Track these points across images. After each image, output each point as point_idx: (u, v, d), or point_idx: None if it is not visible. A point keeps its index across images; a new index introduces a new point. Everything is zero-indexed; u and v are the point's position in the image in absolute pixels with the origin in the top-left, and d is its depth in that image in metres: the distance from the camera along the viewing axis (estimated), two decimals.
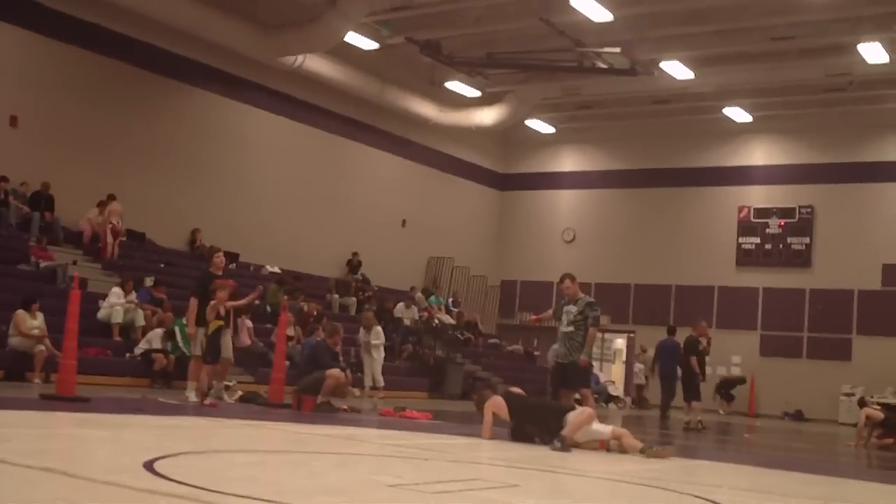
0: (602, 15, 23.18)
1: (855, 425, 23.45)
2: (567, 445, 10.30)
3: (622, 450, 10.58)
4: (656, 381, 22.82)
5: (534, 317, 15.68)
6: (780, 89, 28.69)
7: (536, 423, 10.91)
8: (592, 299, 13.40)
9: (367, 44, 26.35)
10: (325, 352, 15.44)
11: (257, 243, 25.72)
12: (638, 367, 28.67)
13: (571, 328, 12.98)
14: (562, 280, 13.35)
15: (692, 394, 19.19)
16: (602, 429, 10.90)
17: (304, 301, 23.50)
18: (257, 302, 18.43)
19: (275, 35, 24.64)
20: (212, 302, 13.76)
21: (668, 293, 32.39)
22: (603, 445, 10.69)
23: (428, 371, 25.41)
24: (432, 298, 29.13)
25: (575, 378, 13.04)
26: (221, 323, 14.00)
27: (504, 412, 11.11)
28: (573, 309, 13.05)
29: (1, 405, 11.04)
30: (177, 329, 18.35)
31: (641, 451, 10.37)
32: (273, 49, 25.05)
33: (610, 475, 8.89)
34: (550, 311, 13.93)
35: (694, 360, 19.22)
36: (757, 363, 29.98)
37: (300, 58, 25.98)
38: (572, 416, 10.66)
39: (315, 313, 22.64)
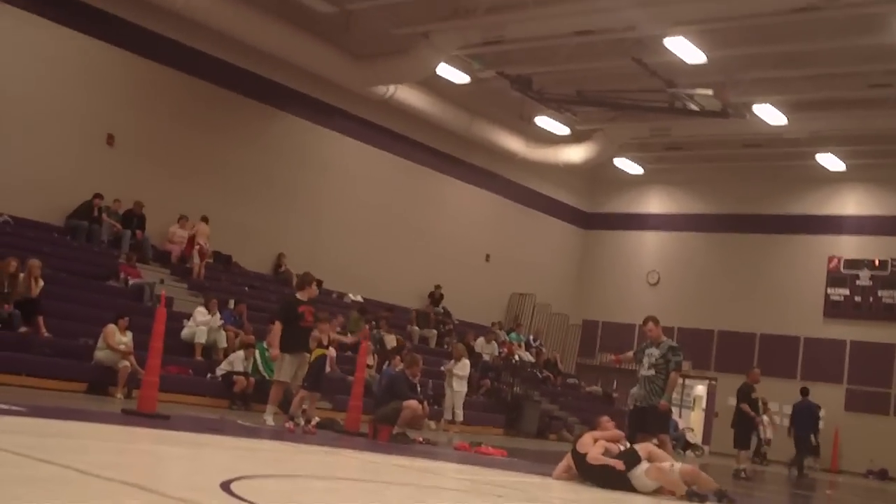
0: (696, 56, 22.98)
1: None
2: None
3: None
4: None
5: (614, 357, 15.52)
6: (875, 138, 28.09)
7: (604, 480, 10.51)
8: (675, 344, 13.21)
9: (458, 77, 26.45)
10: (402, 382, 15.42)
11: (341, 271, 25.87)
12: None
13: (652, 371, 12.80)
14: (645, 322, 13.17)
15: (742, 442, 18.83)
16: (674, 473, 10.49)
17: (386, 331, 23.55)
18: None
19: (367, 65, 24.87)
20: (315, 332, 13.88)
21: (752, 341, 31.79)
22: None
23: (505, 407, 25.24)
24: (512, 335, 28.99)
25: (653, 422, 12.81)
26: (325, 351, 14.11)
27: (570, 473, 10.82)
28: (655, 352, 12.86)
29: (83, 418, 11.20)
30: (257, 352, 18.48)
31: (717, 496, 10.06)
32: (365, 78, 25.29)
33: None
34: (631, 353, 13.78)
35: (745, 406, 18.88)
36: (841, 418, 29.21)
37: (391, 88, 26.19)
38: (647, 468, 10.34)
39: (396, 344, 22.68)
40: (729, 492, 10.21)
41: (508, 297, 32.69)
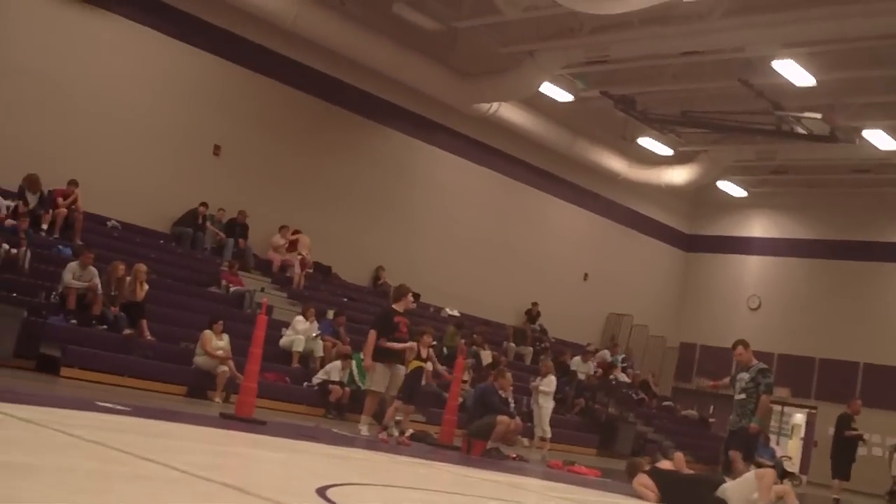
0: (804, 79, 22.59)
1: None
2: None
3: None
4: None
5: (711, 383, 15.39)
6: None
7: (689, 499, 10.41)
8: (765, 366, 13.10)
9: (561, 95, 26.39)
10: (493, 395, 15.41)
11: (438, 285, 25.97)
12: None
13: (743, 395, 12.77)
14: (735, 347, 13.11)
15: (840, 471, 18.44)
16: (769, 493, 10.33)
17: (482, 347, 23.57)
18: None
19: (471, 82, 24.99)
20: (413, 343, 13.96)
21: (856, 370, 31.02)
22: None
23: (599, 428, 25.04)
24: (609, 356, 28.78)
25: (737, 442, 12.66)
26: (422, 364, 14.19)
27: (650, 492, 10.70)
28: (745, 376, 12.86)
29: (183, 420, 11.43)
30: (354, 363, 18.64)
31: None
32: (468, 96, 25.40)
33: None
34: (728, 379, 13.68)
35: (853, 434, 18.52)
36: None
37: (494, 105, 26.26)
38: (732, 485, 10.22)
39: (491, 360, 22.71)
40: None
41: (605, 316, 32.46)
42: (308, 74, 23.76)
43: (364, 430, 14.07)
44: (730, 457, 12.65)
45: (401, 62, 23.82)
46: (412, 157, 26.62)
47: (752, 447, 13.18)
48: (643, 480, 10.91)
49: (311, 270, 23.26)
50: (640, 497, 10.87)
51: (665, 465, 11.44)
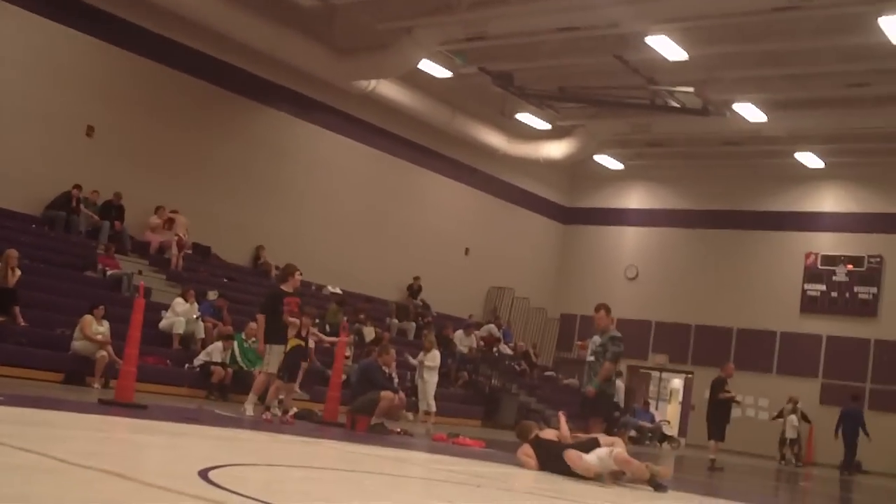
0: (677, 54, 23.09)
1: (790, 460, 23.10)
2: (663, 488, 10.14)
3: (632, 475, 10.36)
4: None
5: (580, 343, 15.78)
6: (853, 136, 28.32)
7: (554, 464, 10.66)
8: (619, 335, 13.35)
9: (440, 72, 26.49)
10: (377, 372, 15.49)
11: (320, 263, 25.86)
12: (793, 420, 27.94)
13: (593, 358, 13.02)
14: (597, 310, 13.31)
15: (715, 433, 19.06)
16: (604, 458, 10.55)
17: (365, 323, 23.60)
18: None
19: (349, 59, 24.89)
20: (294, 320, 13.90)
21: (729, 336, 32.03)
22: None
23: (482, 400, 25.36)
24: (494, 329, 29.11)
25: (599, 407, 12.96)
26: (301, 342, 14.16)
27: (530, 460, 10.93)
28: (598, 340, 13.09)
29: (61, 407, 11.21)
30: (235, 343, 18.51)
31: (651, 484, 10.19)
32: (347, 73, 25.30)
33: None
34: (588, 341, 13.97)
35: (726, 396, 19.14)
36: (816, 411, 29.39)
37: (373, 82, 26.20)
38: (601, 451, 10.50)
39: (374, 336, 22.76)
40: (660, 479, 10.35)
41: (487, 290, 32.79)
42: (185, 54, 23.36)
43: (249, 410, 14.00)
44: (591, 422, 12.86)
45: (279, 40, 23.58)
46: (292, 135, 26.42)
47: (600, 411, 13.41)
48: (526, 450, 11.13)
49: (189, 251, 22.95)
50: (521, 465, 11.08)
51: (548, 434, 11.64)
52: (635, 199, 35.45)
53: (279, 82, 25.52)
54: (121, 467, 6.64)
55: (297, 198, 26.50)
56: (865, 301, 30.43)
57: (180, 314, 18.87)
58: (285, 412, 14.02)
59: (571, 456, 10.38)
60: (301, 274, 15.00)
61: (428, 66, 25.89)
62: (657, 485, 10.21)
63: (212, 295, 20.74)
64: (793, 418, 27.53)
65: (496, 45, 25.12)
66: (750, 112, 26.39)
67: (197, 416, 12.83)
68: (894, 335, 29.55)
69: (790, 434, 27.52)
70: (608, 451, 10.48)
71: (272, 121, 25.85)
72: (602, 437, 11.04)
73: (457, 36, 24.27)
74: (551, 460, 10.72)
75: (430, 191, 30.80)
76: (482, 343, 27.75)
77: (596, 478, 10.17)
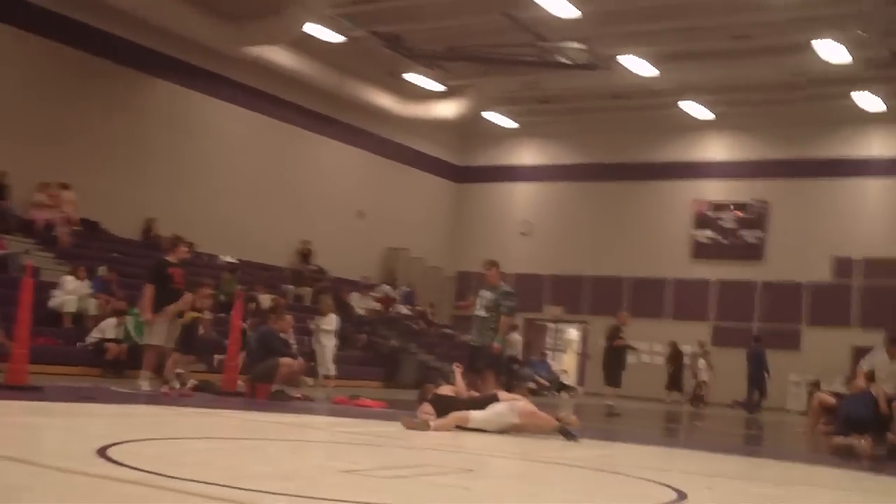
0: (565, 11, 23.24)
1: (803, 413, 23.98)
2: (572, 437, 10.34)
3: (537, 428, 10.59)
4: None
5: (461, 304, 15.85)
6: (738, 87, 28.90)
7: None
8: (511, 290, 13.55)
9: (329, 36, 26.22)
10: (274, 339, 15.41)
11: (213, 233, 25.57)
12: (702, 363, 28.58)
13: (483, 313, 13.12)
14: (487, 267, 13.46)
15: (612, 379, 19.46)
16: (506, 412, 10.75)
17: (261, 291, 23.44)
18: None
19: (236, 25, 24.48)
20: (189, 295, 13.77)
21: (623, 285, 32.64)
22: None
23: (382, 361, 25.46)
24: (391, 290, 29.19)
25: (483, 361, 13.10)
26: (198, 315, 14.03)
27: (429, 417, 11.08)
28: (489, 295, 13.22)
29: None
30: (129, 318, 18.23)
31: (561, 432, 10.43)
32: (234, 39, 24.89)
33: (561, 460, 8.97)
34: (473, 298, 14.03)
35: (621, 343, 19.56)
36: (714, 352, 30.17)
37: (261, 49, 25.83)
38: (501, 406, 10.67)
39: (271, 303, 22.61)
40: (570, 428, 10.61)
41: (382, 251, 32.79)
42: (66, 25, 22.75)
43: (145, 385, 13.83)
44: (484, 376, 13.01)
45: (164, 8, 23.05)
46: (181, 105, 25.97)
47: (495, 364, 13.64)
48: (425, 408, 11.25)
49: (77, 227, 22.47)
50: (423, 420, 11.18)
51: (445, 389, 11.77)
52: (527, 155, 35.73)
53: (165, 51, 25.02)
54: (16, 451, 6.54)
55: (187, 168, 26.10)
56: (752, 245, 31.29)
57: (70, 292, 18.51)
58: (184, 385, 13.90)
59: (458, 419, 10.53)
60: (188, 248, 14.83)
61: (316, 30, 25.62)
62: (567, 433, 10.41)
63: (102, 271, 20.36)
64: (703, 361, 28.29)
65: (385, 6, 24.98)
66: (638, 65, 26.75)
67: (93, 394, 12.63)
68: (780, 276, 30.46)
69: (703, 377, 28.30)
70: (508, 405, 10.65)
71: (160, 91, 25.36)
72: (502, 394, 11.19)
73: None
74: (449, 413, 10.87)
75: (322, 155, 30.61)
76: (379, 304, 27.82)
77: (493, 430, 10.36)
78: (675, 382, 28.20)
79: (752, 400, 25.87)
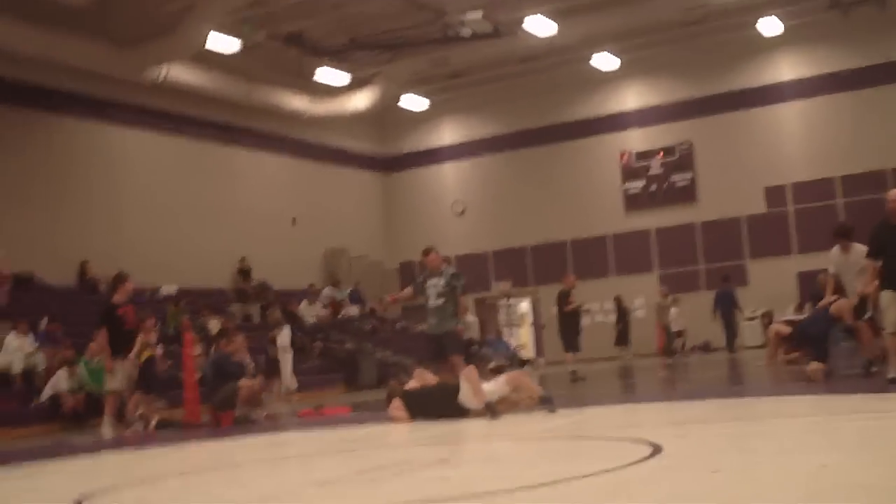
0: None
1: (761, 347, 24.29)
2: (496, 412, 10.38)
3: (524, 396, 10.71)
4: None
5: (390, 298, 15.71)
6: (642, 30, 28.96)
7: (435, 411, 10.89)
8: (456, 270, 13.50)
9: (230, 45, 25.83)
10: (228, 363, 15.26)
11: (149, 265, 25.11)
12: (673, 311, 28.63)
13: (441, 300, 12.97)
14: (426, 253, 13.35)
15: (570, 345, 19.54)
16: (496, 386, 10.93)
17: (208, 317, 23.19)
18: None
19: (133, 50, 24.08)
20: (141, 335, 13.62)
21: (565, 249, 32.77)
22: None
23: (340, 366, 25.34)
24: (336, 292, 29.04)
25: (453, 346, 13.04)
26: (153, 351, 13.89)
27: (401, 413, 11.10)
28: (440, 282, 13.04)
29: None
30: (81, 366, 17.92)
31: (543, 402, 10.54)
32: (134, 65, 24.49)
33: (534, 435, 8.99)
34: (410, 290, 13.84)
35: (573, 307, 19.64)
36: (658, 301, 30.44)
37: (164, 69, 25.41)
38: (465, 388, 10.74)
39: (220, 328, 22.39)
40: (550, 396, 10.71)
41: (322, 255, 32.61)
42: None
43: (108, 432, 13.65)
44: (453, 361, 12.96)
45: (55, 44, 22.55)
46: (90, 140, 25.53)
47: (462, 348, 13.66)
48: (395, 404, 11.25)
49: (10, 284, 22.04)
50: (394, 420, 11.18)
51: (412, 384, 11.79)
52: (448, 134, 35.68)
53: (68, 88, 24.50)
54: None
55: (110, 203, 25.68)
56: (684, 188, 31.51)
57: (15, 350, 18.14)
58: (147, 425, 13.73)
59: (473, 383, 10.58)
60: (132, 283, 14.65)
61: (217, 41, 25.25)
62: (547, 400, 10.52)
63: (44, 323, 20.01)
64: (674, 311, 28.43)
65: (281, 6, 24.75)
66: (540, 25, 26.74)
67: (56, 450, 12.45)
68: (715, 214, 30.73)
69: (676, 326, 28.45)
70: (494, 381, 10.82)
71: (67, 129, 24.85)
72: (468, 375, 11.17)
73: (238, 4, 23.78)
74: (424, 406, 10.89)
75: (245, 168, 30.31)
76: (328, 310, 27.70)
77: (486, 410, 10.38)
78: (623, 337, 28.45)
79: (731, 341, 26.17)
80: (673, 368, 22.12)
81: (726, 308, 26.24)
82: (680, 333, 28.67)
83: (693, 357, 26.83)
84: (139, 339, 13.66)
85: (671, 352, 27.68)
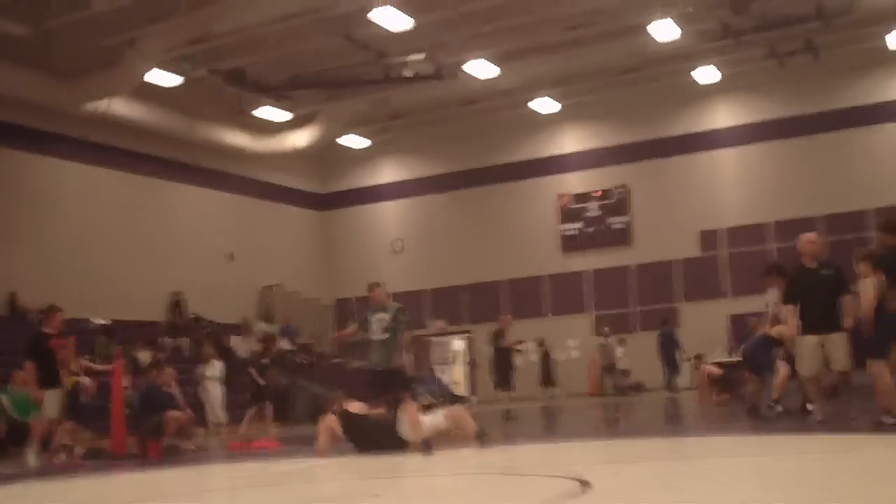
0: (401, 23, 23.25)
1: (690, 388, 24.56)
2: (429, 448, 10.38)
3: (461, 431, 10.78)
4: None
5: (336, 335, 15.57)
6: (582, 76, 29.32)
7: (375, 444, 10.90)
8: (401, 305, 13.46)
9: (170, 80, 25.71)
10: (158, 393, 15.13)
11: (81, 297, 24.75)
12: (619, 351, 28.68)
13: (387, 335, 12.89)
14: (371, 289, 13.27)
15: (503, 383, 19.64)
16: (435, 420, 11.00)
17: (139, 348, 22.88)
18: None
19: (74, 82, 23.89)
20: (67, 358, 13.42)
21: (501, 288, 32.87)
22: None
23: (271, 399, 25.09)
24: (269, 327, 28.81)
25: (398, 383, 12.95)
26: (78, 378, 13.69)
27: (338, 428, 11.10)
28: (386, 317, 12.94)
29: None
30: (4, 396, 17.55)
31: (478, 437, 10.60)
32: (74, 97, 24.27)
33: (466, 470, 8.98)
34: (354, 326, 13.70)
35: (506, 347, 19.78)
36: (593, 343, 30.57)
37: (104, 103, 25.17)
38: (404, 421, 10.78)
39: (150, 359, 22.10)
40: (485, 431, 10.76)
41: (258, 290, 32.39)
42: None
43: (32, 460, 13.39)
44: (403, 397, 12.87)
45: None
46: (27, 171, 25.17)
47: (408, 384, 13.60)
48: (329, 421, 11.22)
49: None
50: (320, 436, 11.10)
51: (355, 407, 11.73)
52: (388, 173, 35.73)
53: (5, 119, 24.25)
54: None
55: (45, 234, 25.33)
56: (620, 230, 31.81)
57: None
58: (71, 454, 13.50)
59: (412, 416, 10.60)
60: (63, 314, 14.46)
61: (158, 76, 25.14)
62: (482, 435, 10.59)
63: None
64: (620, 350, 28.51)
65: (222, 43, 24.66)
66: (482, 68, 26.96)
67: None
68: (650, 257, 31.05)
69: (622, 365, 28.54)
70: (432, 415, 10.84)
71: (3, 160, 24.56)
72: (408, 410, 11.17)
73: (181, 41, 23.71)
74: (362, 432, 10.87)
75: (183, 203, 30.09)
76: (262, 345, 27.46)
77: (420, 444, 10.41)
78: (547, 378, 28.69)
79: (671, 381, 26.38)
80: (610, 408, 22.20)
81: (667, 349, 26.48)
82: (626, 372, 28.75)
83: (630, 397, 26.93)
84: (64, 364, 13.42)
85: (621, 390, 27.85)
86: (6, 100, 23.32)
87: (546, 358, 28.72)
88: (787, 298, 11.41)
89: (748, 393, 12.81)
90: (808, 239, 11.33)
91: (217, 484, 10.03)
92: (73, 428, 13.74)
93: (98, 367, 17.04)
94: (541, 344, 28.63)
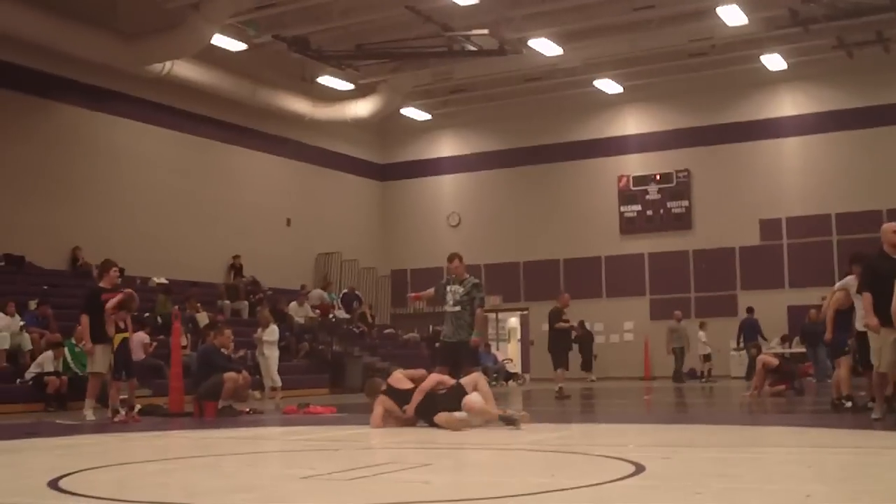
0: None
1: (745, 378, 24.35)
2: (513, 421, 10.35)
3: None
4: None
5: (412, 295, 15.54)
6: (646, 58, 29.16)
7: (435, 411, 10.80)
8: (479, 280, 13.40)
9: (234, 45, 25.98)
10: (216, 355, 15.28)
11: (141, 255, 25.18)
12: (701, 335, 28.32)
13: (458, 308, 12.88)
14: (451, 259, 13.27)
15: (559, 362, 19.54)
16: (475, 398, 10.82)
17: (197, 310, 23.19)
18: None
19: (139, 43, 24.14)
20: (112, 317, 13.54)
21: (557, 267, 32.81)
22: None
23: (326, 367, 25.36)
24: (325, 295, 29.03)
25: (465, 357, 12.92)
26: (126, 334, 13.81)
27: (394, 406, 10.97)
28: (460, 289, 12.93)
29: None
30: (66, 350, 17.93)
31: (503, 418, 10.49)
32: (138, 58, 24.53)
33: (519, 446, 9.00)
34: (432, 290, 13.72)
35: (563, 327, 19.68)
36: (648, 327, 30.54)
37: (168, 65, 25.49)
38: (474, 397, 10.66)
39: (208, 321, 22.38)
40: (513, 414, 10.62)
41: (315, 258, 32.62)
42: None
43: (90, 415, 13.62)
44: (468, 373, 12.84)
45: (63, 33, 22.63)
46: (91, 129, 25.54)
47: (477, 360, 13.60)
48: (381, 401, 11.14)
49: (2, 263, 22.03)
50: (375, 414, 11.05)
51: (402, 382, 11.64)
52: (447, 147, 35.75)
53: (69, 76, 24.57)
54: None
55: (107, 192, 25.69)
56: (679, 215, 31.61)
57: (2, 329, 18.13)
58: (130, 410, 13.71)
59: (484, 389, 10.58)
60: (118, 270, 14.64)
61: (222, 40, 25.37)
62: (509, 419, 10.41)
63: (32, 305, 20.00)
64: (702, 335, 28.25)
65: (288, 10, 24.83)
66: (545, 46, 26.87)
67: (37, 429, 12.42)
68: (709, 244, 30.84)
69: (703, 350, 28.11)
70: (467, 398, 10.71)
71: (68, 117, 24.92)
72: (463, 381, 11.10)
73: (246, 6, 23.90)
74: (430, 408, 10.75)
75: (242, 167, 30.34)
76: (317, 311, 27.71)
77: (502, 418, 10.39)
78: (587, 363, 28.61)
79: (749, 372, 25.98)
80: (660, 393, 22.10)
81: (750, 337, 26.05)
82: (707, 357, 28.22)
83: (692, 383, 26.61)
84: (111, 323, 13.55)
85: (699, 376, 27.59)
86: (70, 57, 23.60)
87: (588, 341, 28.50)
88: (864, 286, 10.94)
89: (833, 383, 12.63)
90: (892, 228, 10.96)
91: (272, 446, 10.14)
92: (134, 385, 13.92)
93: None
94: (581, 325, 28.40)
